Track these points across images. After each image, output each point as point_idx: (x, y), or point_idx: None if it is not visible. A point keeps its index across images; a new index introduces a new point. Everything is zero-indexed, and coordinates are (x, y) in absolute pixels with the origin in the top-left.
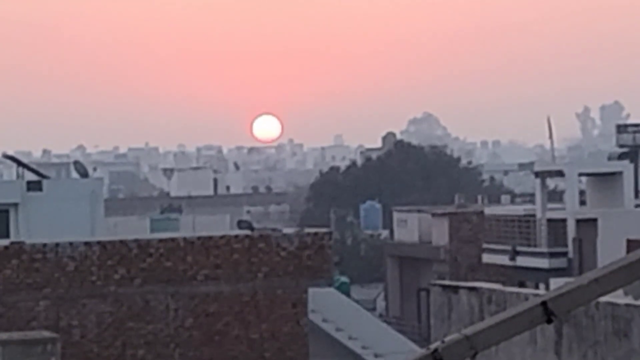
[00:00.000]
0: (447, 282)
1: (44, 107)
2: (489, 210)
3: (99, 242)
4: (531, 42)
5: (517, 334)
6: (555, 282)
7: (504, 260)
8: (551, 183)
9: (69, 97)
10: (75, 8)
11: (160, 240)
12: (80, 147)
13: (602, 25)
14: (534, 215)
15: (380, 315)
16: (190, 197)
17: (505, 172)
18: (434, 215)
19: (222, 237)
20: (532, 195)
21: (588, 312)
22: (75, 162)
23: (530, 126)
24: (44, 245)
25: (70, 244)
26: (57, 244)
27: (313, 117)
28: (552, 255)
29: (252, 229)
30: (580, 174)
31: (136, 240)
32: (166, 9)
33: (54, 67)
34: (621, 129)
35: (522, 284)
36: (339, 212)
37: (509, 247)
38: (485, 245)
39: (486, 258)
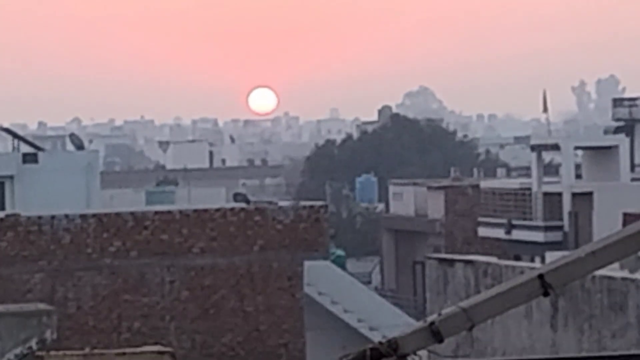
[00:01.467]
0: (442, 256)
1: (40, 80)
2: (484, 184)
3: (94, 215)
4: (526, 15)
5: (513, 307)
6: (551, 256)
7: (499, 233)
8: (547, 157)
9: (64, 70)
10: None
11: (156, 213)
12: (76, 120)
13: (598, 1)
14: (529, 189)
15: (376, 289)
16: (185, 170)
17: (501, 146)
18: (429, 188)
19: (217, 210)
20: (528, 168)
21: (584, 285)
22: (71, 135)
23: (526, 100)
24: (40, 217)
25: (66, 216)
26: (52, 217)
27: (309, 90)
28: (547, 228)
29: (247, 202)
30: (576, 148)
31: (132, 213)
32: None
33: (50, 40)
34: (617, 102)
35: (517, 258)
36: (334, 185)
37: (504, 221)
38: (480, 219)
39: (482, 231)
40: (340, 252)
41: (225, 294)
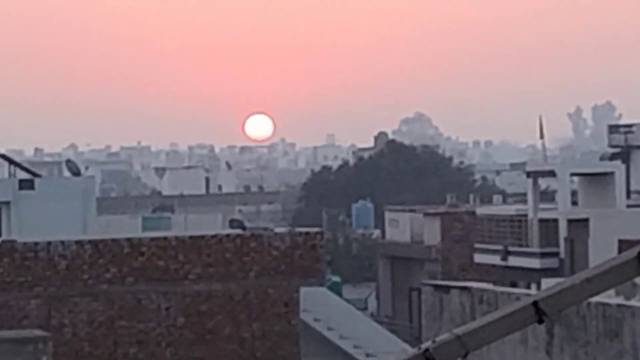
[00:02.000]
0: (438, 282)
1: (36, 106)
2: (480, 210)
3: (90, 241)
4: (523, 41)
5: (508, 333)
6: (547, 282)
7: (495, 260)
8: (543, 183)
9: (61, 96)
10: (68, 7)
11: (152, 239)
12: (73, 146)
13: (594, 24)
14: (525, 215)
15: (372, 315)
16: (182, 196)
17: (497, 172)
18: (425, 214)
19: (213, 236)
20: (524, 195)
21: (579, 312)
22: (68, 161)
23: (522, 126)
24: (36, 243)
25: (62, 242)
26: (49, 243)
27: (305, 117)
28: (543, 255)
29: (244, 228)
30: (572, 174)
31: (128, 239)
32: (158, 7)
33: (46, 66)
34: (613, 129)
35: (513, 284)
36: (330, 212)
37: (500, 247)
38: (477, 245)
39: (478, 258)
40: (336, 279)
41: (221, 320)
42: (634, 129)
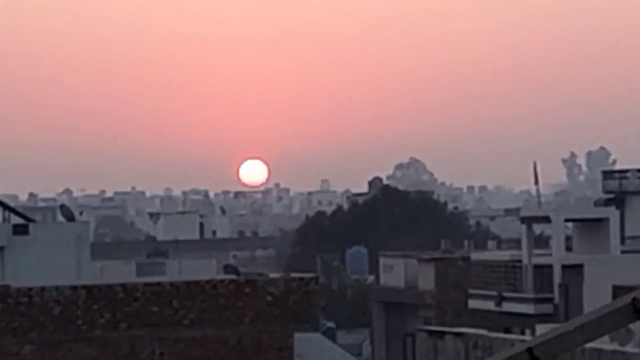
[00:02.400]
0: (433, 328)
1: (31, 151)
2: (475, 256)
3: (85, 286)
4: (517, 87)
5: None
6: (541, 328)
7: (490, 305)
8: (537, 229)
9: (55, 141)
10: (62, 52)
11: (147, 285)
12: (67, 191)
13: (589, 71)
14: (520, 261)
15: None
16: (176, 242)
17: (492, 218)
18: (420, 260)
19: (208, 281)
20: (518, 240)
21: (574, 358)
22: (62, 206)
23: (517, 171)
24: (30, 289)
25: (56, 287)
26: (42, 288)
27: (300, 162)
28: (538, 301)
29: (238, 273)
30: (567, 220)
31: (122, 285)
32: (152, 53)
33: (41, 110)
34: (607, 175)
35: (508, 330)
36: (325, 257)
37: (495, 293)
38: (471, 291)
39: (472, 303)
40: (330, 324)
41: None
42: (628, 174)
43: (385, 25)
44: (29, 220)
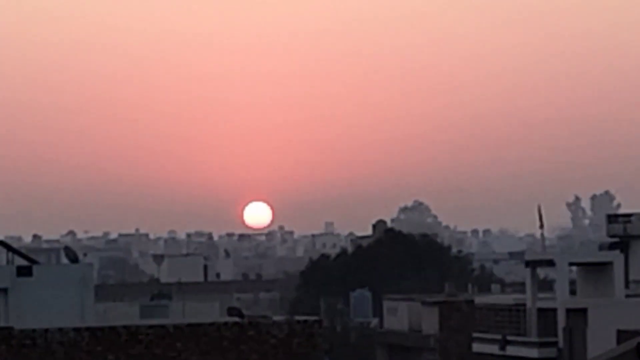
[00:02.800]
0: None
1: (35, 193)
2: (479, 299)
3: (88, 328)
4: (522, 131)
5: None
6: None
7: (494, 349)
8: (541, 272)
9: (59, 183)
10: (64, 93)
11: (150, 327)
12: (71, 233)
13: (594, 115)
14: (524, 305)
15: None
16: (180, 284)
17: (496, 261)
18: (423, 303)
19: (211, 324)
20: (523, 284)
21: None
22: (66, 248)
23: (521, 215)
24: (33, 330)
25: (60, 329)
26: (46, 330)
27: (304, 205)
28: (542, 344)
29: (242, 316)
30: (571, 264)
31: (126, 327)
32: (156, 95)
33: (44, 153)
34: (611, 219)
35: None
36: (329, 300)
37: (499, 337)
38: (475, 334)
39: (476, 347)
40: None
41: None
42: (632, 218)
43: (390, 71)
44: (32, 262)
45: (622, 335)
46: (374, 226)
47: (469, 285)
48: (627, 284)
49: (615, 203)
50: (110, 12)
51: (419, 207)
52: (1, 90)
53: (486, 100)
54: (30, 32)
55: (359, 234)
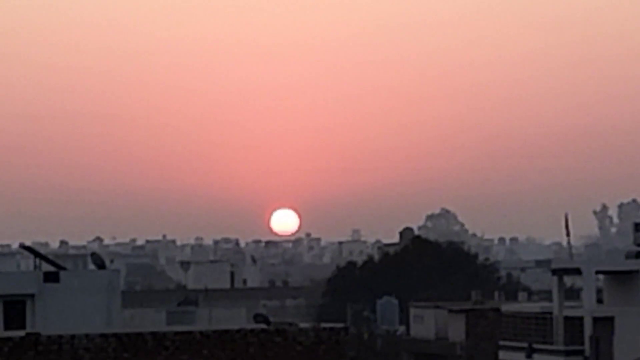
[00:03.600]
0: None
1: (62, 199)
2: (505, 307)
3: (115, 334)
4: (549, 139)
5: None
6: None
7: (520, 357)
8: (568, 280)
9: (86, 189)
10: (93, 103)
11: (177, 333)
12: (98, 239)
13: (621, 123)
14: (550, 313)
15: None
16: (206, 290)
17: (522, 269)
18: (450, 311)
19: (238, 330)
20: (549, 292)
21: None
22: (93, 254)
23: (548, 223)
24: (60, 336)
25: (87, 335)
26: (72, 336)
27: (331, 212)
28: (568, 353)
29: (268, 323)
30: (598, 272)
31: (152, 333)
32: (183, 100)
33: (72, 158)
34: (639, 227)
35: None
36: (355, 307)
37: (525, 345)
38: (501, 342)
39: (503, 355)
40: None
41: None
42: None
43: (419, 77)
44: (59, 267)
45: None
46: (401, 233)
47: (496, 293)
48: None
49: None
50: (146, 22)
51: (445, 214)
52: (30, 94)
53: (514, 108)
54: (70, 40)
55: (386, 241)
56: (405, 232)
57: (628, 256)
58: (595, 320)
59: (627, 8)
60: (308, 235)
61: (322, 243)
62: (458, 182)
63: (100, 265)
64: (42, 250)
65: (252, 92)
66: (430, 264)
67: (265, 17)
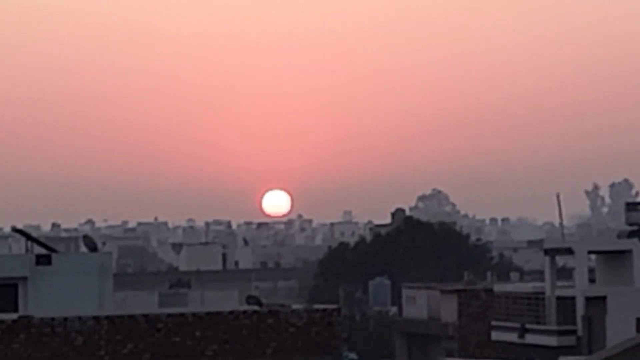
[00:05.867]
0: (456, 359)
1: (53, 181)
2: (497, 287)
3: (107, 317)
4: (540, 119)
5: None
6: None
7: (512, 337)
8: (560, 260)
9: (77, 171)
10: (85, 84)
11: (169, 315)
12: (89, 222)
13: (612, 103)
14: (543, 293)
15: None
16: (199, 272)
17: (515, 249)
18: (442, 291)
19: (230, 312)
20: (541, 272)
21: None
22: (84, 236)
23: (540, 203)
24: (53, 319)
25: (79, 318)
26: (65, 319)
27: (322, 193)
28: (561, 333)
29: (260, 304)
30: (590, 252)
31: (145, 315)
32: (173, 82)
33: (63, 141)
34: (630, 207)
35: None
36: (347, 288)
37: (517, 325)
38: (494, 323)
39: (495, 335)
40: (353, 356)
41: None
42: None
43: (408, 57)
44: (51, 250)
45: None
46: (393, 214)
47: (488, 274)
48: None
49: (634, 191)
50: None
51: (437, 195)
52: (23, 78)
53: (504, 88)
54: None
55: (378, 222)
56: (397, 212)
57: (620, 236)
58: (588, 300)
59: None
60: (300, 216)
61: (314, 224)
62: (449, 163)
63: (92, 247)
64: (34, 233)
65: (243, 75)
66: (422, 244)
67: (263, 10)
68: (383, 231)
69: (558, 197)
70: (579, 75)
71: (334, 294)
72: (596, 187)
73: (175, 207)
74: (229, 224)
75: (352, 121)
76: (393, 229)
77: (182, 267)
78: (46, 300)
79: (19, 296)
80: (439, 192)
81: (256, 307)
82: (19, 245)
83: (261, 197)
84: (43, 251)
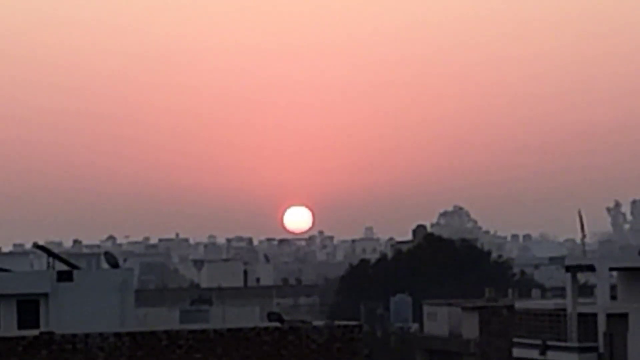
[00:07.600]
0: None
1: (75, 197)
2: (519, 304)
3: (128, 333)
4: (561, 136)
5: None
6: None
7: (534, 354)
8: (582, 277)
9: (99, 188)
10: (105, 103)
11: (190, 332)
12: (111, 238)
13: (635, 120)
14: (564, 310)
15: None
16: (220, 289)
17: (536, 266)
18: (464, 308)
19: (252, 329)
20: (563, 289)
21: None
22: (106, 253)
23: (561, 220)
24: (74, 335)
25: (100, 334)
26: (86, 335)
27: (344, 209)
28: (582, 349)
29: (282, 321)
30: (611, 269)
31: (166, 332)
32: (196, 100)
33: (85, 158)
34: None
35: None
36: (369, 305)
37: (539, 342)
38: (515, 339)
39: (516, 352)
40: None
41: None
42: None
43: (432, 75)
44: (73, 267)
45: None
46: (414, 231)
47: (509, 290)
48: None
49: None
50: (155, 22)
51: (458, 212)
52: (44, 96)
53: (527, 104)
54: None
55: (399, 239)
56: (418, 229)
57: None
58: (609, 316)
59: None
60: (321, 233)
61: (335, 241)
62: (471, 179)
63: (114, 264)
64: (56, 250)
65: (264, 90)
66: (444, 261)
67: (284, 16)
68: (404, 248)
69: (580, 213)
70: (601, 94)
71: (355, 311)
72: (618, 204)
73: (197, 224)
74: (250, 241)
75: (373, 138)
76: (414, 245)
77: (204, 284)
78: (68, 316)
79: (41, 312)
80: (461, 208)
81: (277, 324)
82: (41, 262)
83: (282, 214)
84: (65, 267)
